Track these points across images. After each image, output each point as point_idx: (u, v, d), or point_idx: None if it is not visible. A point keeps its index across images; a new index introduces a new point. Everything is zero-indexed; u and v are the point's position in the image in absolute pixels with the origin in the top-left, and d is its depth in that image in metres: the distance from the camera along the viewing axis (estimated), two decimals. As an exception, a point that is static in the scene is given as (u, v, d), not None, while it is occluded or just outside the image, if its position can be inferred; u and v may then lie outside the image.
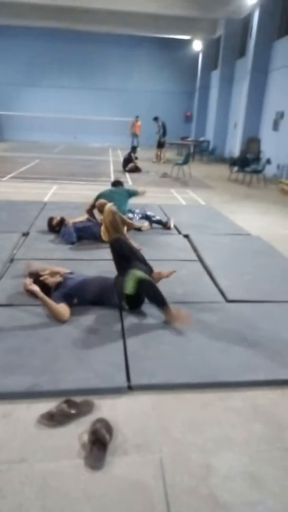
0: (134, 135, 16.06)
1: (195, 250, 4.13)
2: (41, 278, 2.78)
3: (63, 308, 2.58)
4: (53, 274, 2.82)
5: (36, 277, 2.82)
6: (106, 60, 20.17)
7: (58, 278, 2.80)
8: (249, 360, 2.24)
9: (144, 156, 13.25)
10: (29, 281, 2.72)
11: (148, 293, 2.60)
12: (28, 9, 14.47)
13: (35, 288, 2.63)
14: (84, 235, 4.21)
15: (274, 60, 11.58)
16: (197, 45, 18.14)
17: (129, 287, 2.53)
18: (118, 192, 4.79)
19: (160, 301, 2.56)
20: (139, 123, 16.11)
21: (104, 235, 3.68)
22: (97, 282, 2.80)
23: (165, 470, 1.57)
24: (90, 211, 4.53)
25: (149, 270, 2.90)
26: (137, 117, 16.20)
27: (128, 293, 2.57)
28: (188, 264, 3.73)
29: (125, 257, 2.83)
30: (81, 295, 2.72)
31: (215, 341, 2.43)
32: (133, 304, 2.69)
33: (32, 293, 2.69)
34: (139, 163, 11.01)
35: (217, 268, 3.58)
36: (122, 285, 2.57)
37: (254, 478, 1.56)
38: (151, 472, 1.56)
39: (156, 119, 13.34)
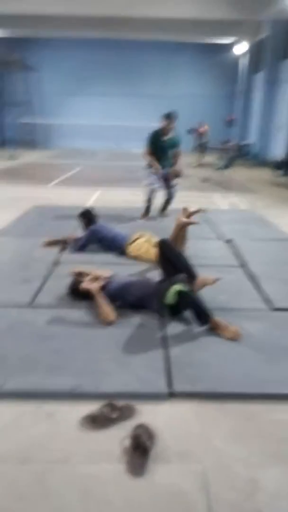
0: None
1: (238, 256, 4.02)
2: (83, 285, 2.78)
3: (110, 310, 2.62)
4: (94, 279, 2.85)
5: (79, 280, 2.86)
6: (146, 67, 20.44)
7: (100, 283, 2.82)
8: (297, 372, 2.13)
9: (183, 161, 13.20)
10: (88, 282, 2.75)
11: (188, 306, 2.53)
12: (71, 20, 15.02)
13: (92, 286, 2.69)
14: (111, 246, 4.01)
15: None
16: (237, 49, 17.92)
17: (169, 298, 2.50)
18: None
19: (202, 314, 2.49)
20: (206, 127, 14.14)
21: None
22: (139, 286, 2.80)
23: (208, 482, 1.52)
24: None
25: (193, 276, 2.85)
26: (200, 122, 15.03)
27: (168, 303, 2.54)
28: (231, 270, 3.63)
29: (171, 261, 2.81)
30: (123, 298, 2.73)
31: (261, 351, 2.33)
32: (174, 311, 2.65)
33: (84, 293, 2.74)
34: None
35: (261, 275, 3.46)
36: (163, 294, 2.54)
37: (304, 498, 1.47)
38: (194, 483, 1.51)
39: (190, 131, 13.18)
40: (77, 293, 2.83)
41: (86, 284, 2.74)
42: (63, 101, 21.10)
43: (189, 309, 2.56)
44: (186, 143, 14.26)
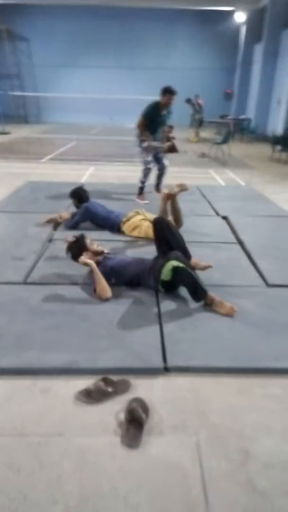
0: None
1: (234, 232, 3.99)
2: (82, 258, 2.75)
3: (107, 286, 2.62)
4: (96, 253, 2.82)
5: (84, 245, 2.80)
6: (143, 38, 19.65)
7: (97, 258, 2.80)
8: (290, 347, 2.15)
9: (180, 136, 12.93)
10: (85, 256, 2.73)
11: (184, 281, 2.53)
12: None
13: (90, 261, 2.67)
14: (105, 224, 3.96)
15: None
16: (239, 17, 17.16)
17: (165, 274, 2.49)
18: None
19: (198, 289, 2.50)
20: (200, 101, 14.27)
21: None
22: (135, 263, 2.78)
23: (202, 453, 1.55)
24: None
25: (187, 257, 2.84)
26: (196, 95, 14.91)
27: (164, 279, 2.54)
28: (227, 246, 3.61)
29: (166, 239, 2.78)
30: (119, 276, 2.72)
31: (255, 326, 2.35)
32: (169, 287, 2.65)
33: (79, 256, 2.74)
34: (176, 143, 10.75)
35: (257, 252, 3.45)
36: (159, 270, 2.54)
37: (294, 467, 1.50)
38: (188, 454, 1.54)
39: (188, 101, 12.85)
40: (78, 255, 2.78)
41: (85, 258, 2.72)
42: (55, 73, 20.37)
43: (185, 285, 2.55)
44: (184, 117, 13.96)
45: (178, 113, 14.43)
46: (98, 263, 2.74)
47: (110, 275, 2.70)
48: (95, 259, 2.78)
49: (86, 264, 2.71)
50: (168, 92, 4.82)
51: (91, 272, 2.73)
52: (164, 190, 3.67)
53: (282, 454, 1.56)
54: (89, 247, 2.79)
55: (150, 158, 5.11)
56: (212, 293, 2.52)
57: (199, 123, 13.09)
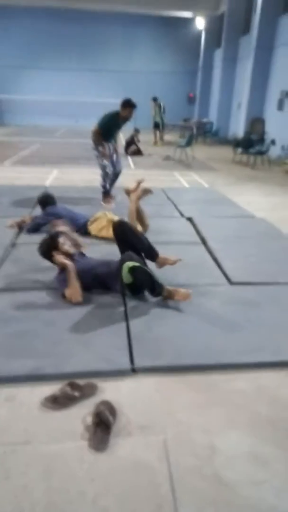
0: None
1: (198, 233, 4.08)
2: (58, 258, 2.70)
3: (80, 289, 2.60)
4: (67, 254, 2.75)
5: (56, 244, 2.75)
6: (106, 41, 19.68)
7: (76, 249, 2.79)
8: (253, 342, 2.23)
9: (145, 139, 13.03)
10: (62, 255, 2.69)
11: (141, 279, 2.54)
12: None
13: (69, 262, 2.62)
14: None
15: (279, 37, 11.24)
16: (200, 23, 17.60)
17: (126, 277, 2.50)
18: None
19: (155, 285, 2.56)
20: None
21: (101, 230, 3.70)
22: (102, 267, 2.76)
23: (169, 451, 1.57)
24: None
25: (155, 254, 2.87)
26: (154, 99, 15.13)
27: (127, 282, 2.55)
28: (192, 247, 3.69)
29: (129, 242, 2.79)
30: (85, 279, 2.69)
31: (219, 324, 2.41)
32: (135, 290, 2.67)
33: (51, 256, 2.70)
34: (141, 146, 10.83)
35: (221, 251, 3.54)
36: (120, 275, 2.55)
37: (258, 458, 1.56)
38: (155, 453, 1.56)
39: (155, 99, 12.99)
40: (48, 253, 2.74)
41: (62, 259, 2.66)
42: (17, 75, 19.95)
43: (142, 283, 2.58)
44: (146, 120, 14.06)
45: (146, 115, 14.27)
46: (64, 268, 2.71)
47: (78, 278, 2.67)
48: (71, 261, 2.73)
49: (63, 264, 2.64)
50: (129, 105, 4.77)
51: (60, 274, 2.69)
52: (131, 187, 3.70)
53: (246, 446, 1.61)
54: (61, 247, 2.73)
55: (106, 162, 5.05)
56: (167, 286, 2.60)
57: (161, 126, 13.23)
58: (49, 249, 2.73)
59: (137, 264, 2.48)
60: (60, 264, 2.67)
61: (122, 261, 2.51)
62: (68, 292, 2.59)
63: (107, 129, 4.89)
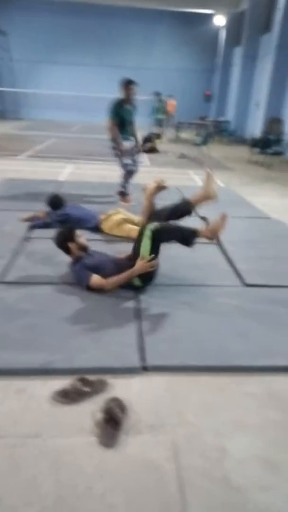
0: (170, 115, 15.48)
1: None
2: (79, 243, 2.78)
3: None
4: (81, 247, 2.80)
5: (72, 236, 2.79)
6: (124, 37, 19.63)
7: (81, 253, 2.80)
8: (266, 345, 2.20)
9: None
10: (72, 247, 2.75)
11: (169, 234, 2.55)
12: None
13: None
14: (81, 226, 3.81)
15: (301, 36, 11.05)
16: (219, 20, 17.41)
17: (145, 246, 2.49)
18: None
19: (187, 232, 2.54)
20: (172, 102, 15.02)
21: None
22: (113, 264, 2.76)
23: (178, 451, 1.56)
24: None
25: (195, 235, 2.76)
26: (170, 96, 15.26)
27: (147, 255, 2.52)
28: (205, 247, 3.64)
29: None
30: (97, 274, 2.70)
31: (232, 325, 2.38)
32: (146, 278, 2.65)
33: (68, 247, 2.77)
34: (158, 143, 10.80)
35: (235, 252, 3.50)
36: (137, 247, 2.55)
37: (268, 462, 1.53)
38: (164, 453, 1.55)
39: (158, 94, 12.96)
40: (64, 244, 2.79)
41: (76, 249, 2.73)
42: (35, 69, 20.06)
43: (170, 238, 2.57)
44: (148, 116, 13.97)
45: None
46: (80, 258, 2.73)
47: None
48: (79, 253, 2.77)
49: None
50: (128, 83, 4.70)
51: (75, 264, 2.74)
52: (149, 185, 3.65)
53: (257, 450, 1.59)
54: (77, 240, 2.78)
55: (127, 160, 4.97)
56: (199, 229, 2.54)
57: (160, 123, 13.22)
58: (65, 240, 2.78)
59: (158, 225, 2.49)
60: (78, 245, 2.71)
61: (144, 228, 2.52)
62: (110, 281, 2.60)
63: (119, 120, 4.79)
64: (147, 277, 2.67)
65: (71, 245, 2.77)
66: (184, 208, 2.85)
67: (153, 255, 2.54)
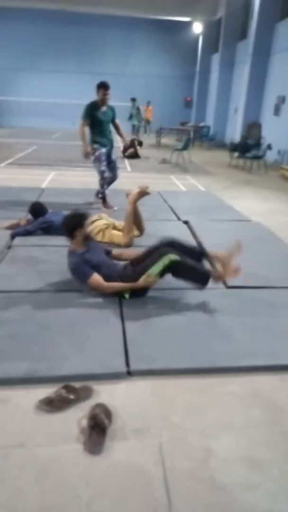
0: (147, 121, 15.81)
1: (194, 236, 4.09)
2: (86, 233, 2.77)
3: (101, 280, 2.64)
4: (87, 237, 2.80)
5: (82, 223, 2.75)
6: (104, 44, 19.75)
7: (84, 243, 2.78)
8: (248, 346, 2.23)
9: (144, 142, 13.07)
10: (79, 233, 2.73)
11: (183, 275, 2.61)
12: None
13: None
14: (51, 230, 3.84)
15: (276, 43, 11.34)
16: (197, 28, 17.72)
17: (157, 267, 2.52)
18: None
19: (199, 272, 2.62)
20: (150, 108, 15.75)
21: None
22: (106, 265, 2.74)
23: (164, 454, 1.57)
24: None
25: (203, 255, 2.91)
26: (148, 102, 15.76)
27: (154, 275, 2.55)
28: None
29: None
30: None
31: (215, 327, 2.41)
32: (137, 294, 2.66)
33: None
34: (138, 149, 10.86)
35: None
36: (154, 260, 2.56)
37: (253, 461, 1.56)
38: (151, 457, 1.55)
39: (134, 100, 13.15)
40: (72, 229, 2.73)
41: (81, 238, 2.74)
42: (14, 76, 19.95)
43: (184, 276, 2.62)
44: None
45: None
46: (78, 249, 2.72)
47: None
48: (82, 244, 2.74)
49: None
50: (101, 87, 4.71)
51: (70, 255, 2.73)
52: (132, 191, 3.69)
53: (242, 450, 1.61)
54: (85, 228, 2.75)
55: (103, 167, 4.94)
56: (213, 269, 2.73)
57: (137, 129, 13.42)
58: (75, 225, 2.70)
59: (179, 258, 2.53)
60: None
61: (164, 252, 2.56)
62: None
63: (93, 121, 4.79)
64: (139, 293, 2.67)
65: (78, 233, 2.70)
66: (199, 254, 2.88)
67: (158, 277, 2.58)
